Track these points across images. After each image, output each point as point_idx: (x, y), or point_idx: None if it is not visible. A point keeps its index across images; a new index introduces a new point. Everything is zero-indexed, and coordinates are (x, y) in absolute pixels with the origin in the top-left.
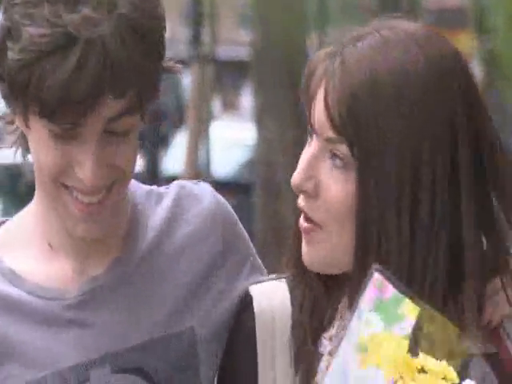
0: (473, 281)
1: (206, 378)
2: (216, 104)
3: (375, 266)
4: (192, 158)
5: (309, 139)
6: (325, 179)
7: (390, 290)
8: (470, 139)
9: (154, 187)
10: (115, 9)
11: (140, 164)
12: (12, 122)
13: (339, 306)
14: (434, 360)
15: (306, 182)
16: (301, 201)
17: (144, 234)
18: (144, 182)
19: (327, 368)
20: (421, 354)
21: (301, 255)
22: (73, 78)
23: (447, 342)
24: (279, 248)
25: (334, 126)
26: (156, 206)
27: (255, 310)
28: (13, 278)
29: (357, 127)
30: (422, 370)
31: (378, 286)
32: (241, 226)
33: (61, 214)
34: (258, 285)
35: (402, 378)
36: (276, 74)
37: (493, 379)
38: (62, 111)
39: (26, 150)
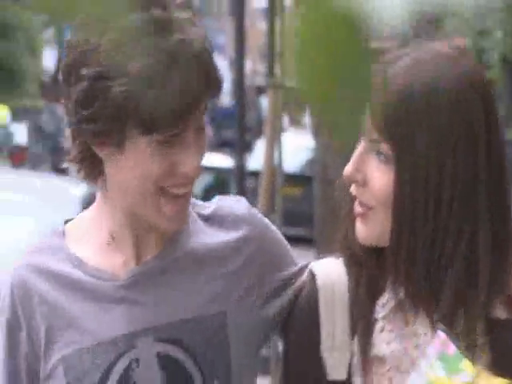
0: (488, 258)
1: (236, 355)
2: (285, 120)
3: (440, 326)
4: (269, 159)
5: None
6: (371, 171)
7: (453, 348)
8: (487, 144)
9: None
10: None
11: (231, 163)
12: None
13: (388, 277)
14: None
15: (356, 174)
16: (353, 189)
17: (189, 230)
18: (234, 177)
19: (381, 330)
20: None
21: (352, 239)
22: (180, 94)
23: None
24: (334, 225)
25: (378, 130)
26: (199, 211)
27: (318, 283)
28: (76, 262)
29: (395, 131)
30: None
31: (442, 343)
32: (274, 229)
33: (150, 215)
34: (319, 263)
35: None
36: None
37: None
38: (172, 123)
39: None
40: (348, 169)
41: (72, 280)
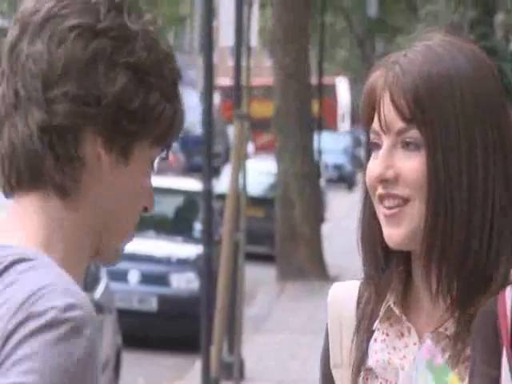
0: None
1: None
2: (250, 147)
3: (428, 334)
4: (234, 183)
5: (374, 149)
6: (401, 163)
7: (440, 360)
8: (507, 118)
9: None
10: None
11: (200, 186)
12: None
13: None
14: None
15: (387, 171)
16: (381, 190)
17: None
18: (203, 199)
19: (374, 341)
20: None
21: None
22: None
23: None
24: (292, 243)
25: (404, 118)
26: None
27: (327, 300)
28: None
29: (422, 113)
30: None
31: (430, 352)
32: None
33: (114, 239)
34: (339, 283)
35: None
36: (290, 127)
37: None
38: (176, 138)
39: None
40: (377, 169)
41: None
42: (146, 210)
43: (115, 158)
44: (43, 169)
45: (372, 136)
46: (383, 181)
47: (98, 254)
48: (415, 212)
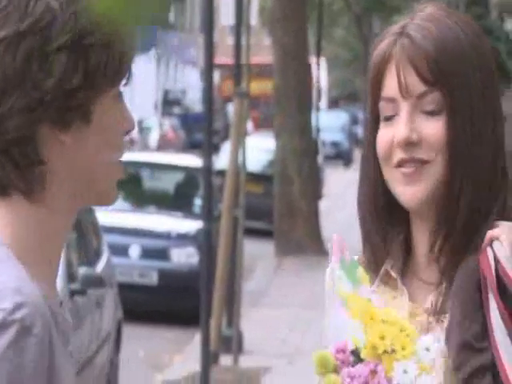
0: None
1: None
2: (249, 124)
3: (335, 234)
4: (234, 159)
5: (383, 121)
6: (424, 127)
7: (347, 253)
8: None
9: None
10: None
11: (200, 163)
12: None
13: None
14: (395, 314)
15: (411, 134)
16: (403, 154)
17: None
18: (203, 175)
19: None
20: (385, 308)
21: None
22: (126, 46)
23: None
24: (290, 219)
25: (427, 82)
26: None
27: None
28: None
29: (447, 78)
30: (385, 322)
31: (340, 248)
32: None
33: (104, 191)
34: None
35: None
36: (289, 105)
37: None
38: (126, 71)
39: None
40: (403, 132)
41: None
42: (128, 132)
43: (75, 127)
44: (7, 179)
45: (384, 106)
46: (408, 144)
47: (92, 203)
48: (432, 173)
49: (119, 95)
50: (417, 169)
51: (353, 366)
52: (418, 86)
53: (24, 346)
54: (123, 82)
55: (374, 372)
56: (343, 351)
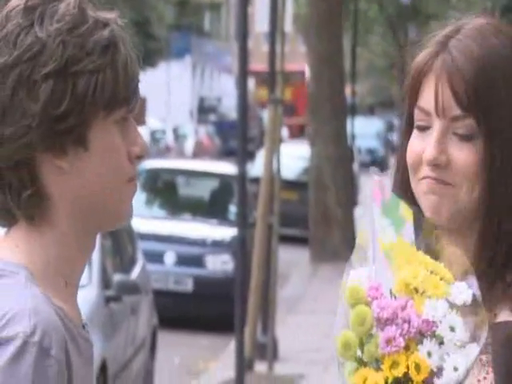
0: None
1: None
2: (284, 132)
3: (373, 169)
4: (268, 167)
5: (418, 129)
6: (454, 151)
7: (388, 192)
8: None
9: None
10: None
11: (234, 170)
12: None
13: None
14: (431, 259)
15: (440, 156)
16: (430, 172)
17: None
18: (237, 182)
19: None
20: (425, 257)
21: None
22: (130, 73)
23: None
24: (325, 226)
25: (461, 105)
26: None
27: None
28: (61, 313)
29: (483, 104)
30: (421, 263)
31: (380, 188)
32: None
33: (116, 211)
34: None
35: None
36: (324, 111)
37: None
38: (129, 98)
39: None
40: (432, 152)
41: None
42: (139, 157)
43: (73, 154)
44: (10, 205)
45: (419, 114)
46: (435, 165)
47: (106, 225)
48: (458, 198)
49: (125, 120)
50: (441, 187)
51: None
52: (453, 107)
53: (44, 367)
54: (129, 106)
55: (404, 307)
56: (376, 289)
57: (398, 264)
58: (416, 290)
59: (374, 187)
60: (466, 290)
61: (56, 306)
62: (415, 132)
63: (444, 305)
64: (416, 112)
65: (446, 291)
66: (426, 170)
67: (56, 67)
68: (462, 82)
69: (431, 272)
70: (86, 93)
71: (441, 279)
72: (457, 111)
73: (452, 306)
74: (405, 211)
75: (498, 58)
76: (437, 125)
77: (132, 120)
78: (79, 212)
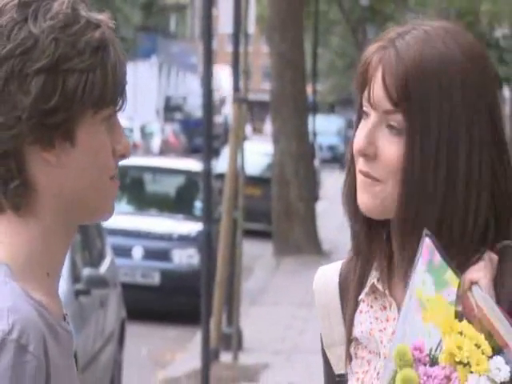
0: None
1: None
2: (248, 129)
3: (427, 232)
4: (233, 163)
5: (364, 117)
6: (382, 144)
7: (438, 257)
8: (493, 111)
9: None
10: None
11: (200, 166)
12: None
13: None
14: (472, 329)
15: (368, 147)
16: (361, 166)
17: None
18: (203, 178)
19: (360, 312)
20: (464, 321)
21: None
22: (118, 72)
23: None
24: (288, 221)
25: (391, 100)
26: None
27: (313, 286)
28: (39, 307)
29: (410, 100)
30: (462, 334)
31: (429, 251)
32: None
33: (99, 208)
34: (324, 267)
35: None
36: (287, 110)
37: None
38: (116, 97)
39: None
40: (360, 142)
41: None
42: (122, 156)
43: (60, 148)
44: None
45: (364, 103)
46: (364, 155)
47: (87, 219)
48: (386, 195)
49: (111, 118)
50: (370, 183)
51: (430, 365)
52: (385, 102)
53: (22, 363)
54: (116, 106)
55: (448, 378)
56: (420, 350)
57: (430, 315)
58: (461, 362)
59: (424, 249)
60: (503, 366)
61: (36, 300)
62: (361, 122)
63: (485, 383)
64: (363, 102)
65: (487, 368)
66: (360, 162)
67: (48, 63)
68: (392, 78)
69: (475, 345)
70: (76, 90)
71: (482, 352)
72: (387, 105)
73: (492, 382)
74: (451, 277)
75: (438, 61)
76: (371, 116)
77: (118, 119)
78: (63, 205)
